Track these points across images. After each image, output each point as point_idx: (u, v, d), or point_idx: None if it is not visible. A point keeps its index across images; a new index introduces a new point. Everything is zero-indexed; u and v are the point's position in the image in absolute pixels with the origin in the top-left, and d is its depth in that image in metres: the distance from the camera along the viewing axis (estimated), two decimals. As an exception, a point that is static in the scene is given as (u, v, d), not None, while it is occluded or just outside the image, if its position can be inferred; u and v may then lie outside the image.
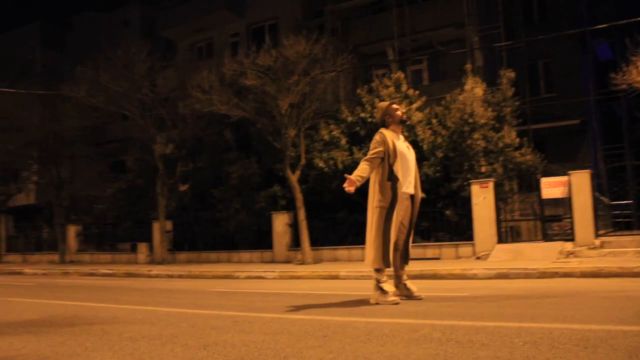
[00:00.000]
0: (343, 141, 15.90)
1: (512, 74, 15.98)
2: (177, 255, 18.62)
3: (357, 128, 15.46)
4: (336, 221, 16.20)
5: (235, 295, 7.89)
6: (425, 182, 14.98)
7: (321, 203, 16.48)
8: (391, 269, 5.87)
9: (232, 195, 17.82)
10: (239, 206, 17.78)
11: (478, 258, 13.31)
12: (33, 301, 7.72)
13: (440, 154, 15.44)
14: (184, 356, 3.42)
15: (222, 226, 18.07)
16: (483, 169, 14.69)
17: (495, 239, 13.59)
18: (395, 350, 3.36)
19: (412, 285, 6.07)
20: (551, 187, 13.50)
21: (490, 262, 11.63)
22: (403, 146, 5.96)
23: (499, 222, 13.84)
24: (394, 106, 6.10)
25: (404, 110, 6.16)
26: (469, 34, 19.94)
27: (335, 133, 15.98)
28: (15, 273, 17.33)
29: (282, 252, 16.54)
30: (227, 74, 15.65)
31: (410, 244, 6.10)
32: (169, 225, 18.94)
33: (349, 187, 5.68)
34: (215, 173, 18.95)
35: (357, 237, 15.58)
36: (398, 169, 5.80)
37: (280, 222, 16.67)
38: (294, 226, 16.15)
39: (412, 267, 11.01)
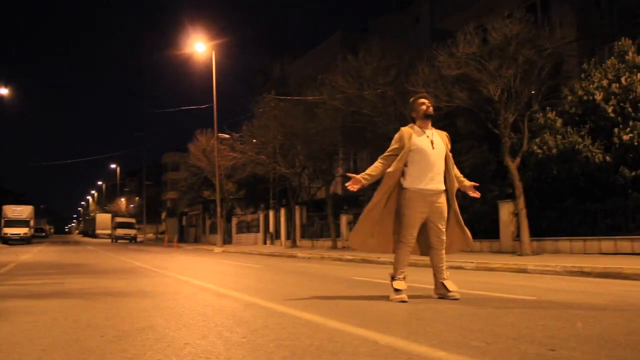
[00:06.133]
0: (558, 123, 14.48)
1: None
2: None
3: (573, 109, 13.90)
4: (565, 210, 14.91)
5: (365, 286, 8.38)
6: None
7: (548, 191, 15.31)
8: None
9: (468, 185, 17.62)
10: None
11: None
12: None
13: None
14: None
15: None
16: None
17: None
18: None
19: (450, 284, 5.92)
20: None
21: None
22: (425, 142, 5.90)
23: None
24: (419, 101, 6.10)
25: (429, 105, 6.07)
26: None
27: (551, 115, 14.63)
28: (292, 256, 19.79)
29: (508, 242, 15.93)
30: (440, 66, 15.67)
31: (442, 241, 5.90)
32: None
33: (352, 186, 5.94)
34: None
35: (590, 228, 14.15)
36: (406, 167, 5.85)
37: (505, 211, 16.07)
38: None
39: (598, 263, 9.88)
